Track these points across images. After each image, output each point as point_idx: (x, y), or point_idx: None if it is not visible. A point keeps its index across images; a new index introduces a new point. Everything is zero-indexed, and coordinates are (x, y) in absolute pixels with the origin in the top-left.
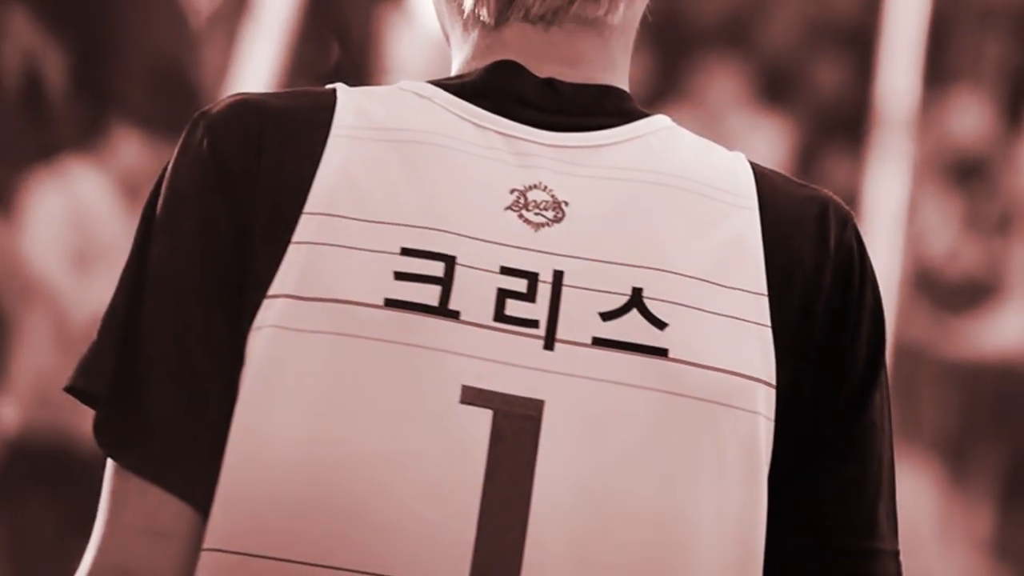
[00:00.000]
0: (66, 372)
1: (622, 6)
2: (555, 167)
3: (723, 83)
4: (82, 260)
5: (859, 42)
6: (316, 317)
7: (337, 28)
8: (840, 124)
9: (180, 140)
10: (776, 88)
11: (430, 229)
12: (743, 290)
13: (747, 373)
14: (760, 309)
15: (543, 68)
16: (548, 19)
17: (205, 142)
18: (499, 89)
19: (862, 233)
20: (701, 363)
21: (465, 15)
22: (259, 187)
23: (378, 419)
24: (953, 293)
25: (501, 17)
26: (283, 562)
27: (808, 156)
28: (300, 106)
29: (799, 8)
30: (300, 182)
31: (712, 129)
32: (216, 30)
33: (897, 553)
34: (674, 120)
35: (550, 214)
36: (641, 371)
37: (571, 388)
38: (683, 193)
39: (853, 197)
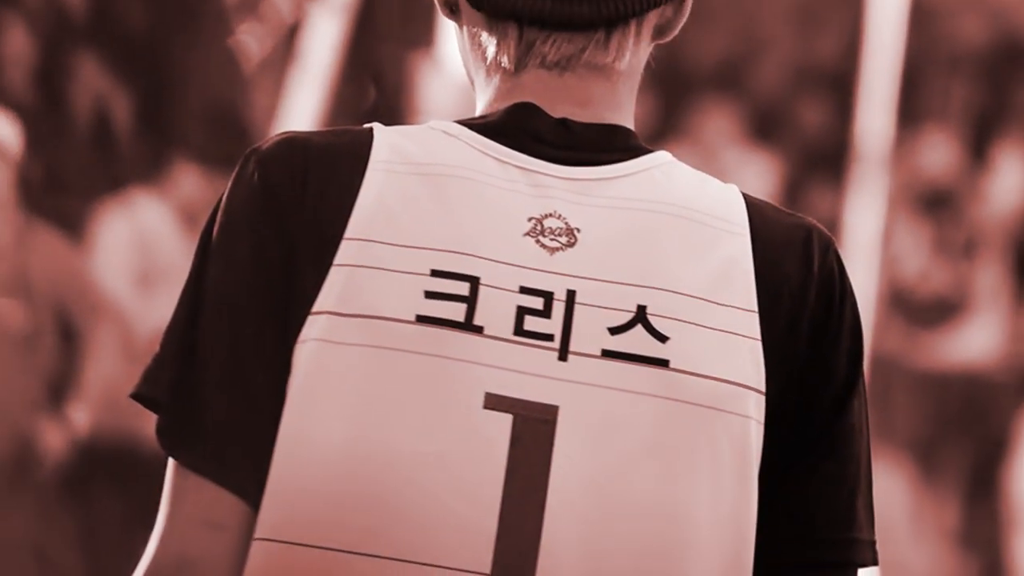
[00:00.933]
0: (131, 380)
1: (628, 54)
2: (568, 197)
3: (718, 122)
4: (145, 280)
5: (839, 86)
6: (355, 331)
7: (374, 73)
8: (822, 159)
9: (233, 173)
10: (765, 127)
11: (457, 253)
12: (736, 307)
13: (740, 381)
14: (751, 324)
15: (557, 109)
16: (562, 65)
17: (256, 175)
18: (518, 128)
19: (842, 256)
20: (699, 372)
21: (488, 62)
22: (304, 215)
23: (410, 422)
24: (924, 310)
25: (520, 64)
26: (326, 550)
27: (794, 188)
28: (340, 143)
29: (786, 56)
30: (341, 211)
31: (708, 164)
32: (265, 75)
33: (874, 543)
34: (674, 155)
35: (564, 239)
36: (645, 380)
37: (583, 395)
38: (683, 221)
39: (834, 224)
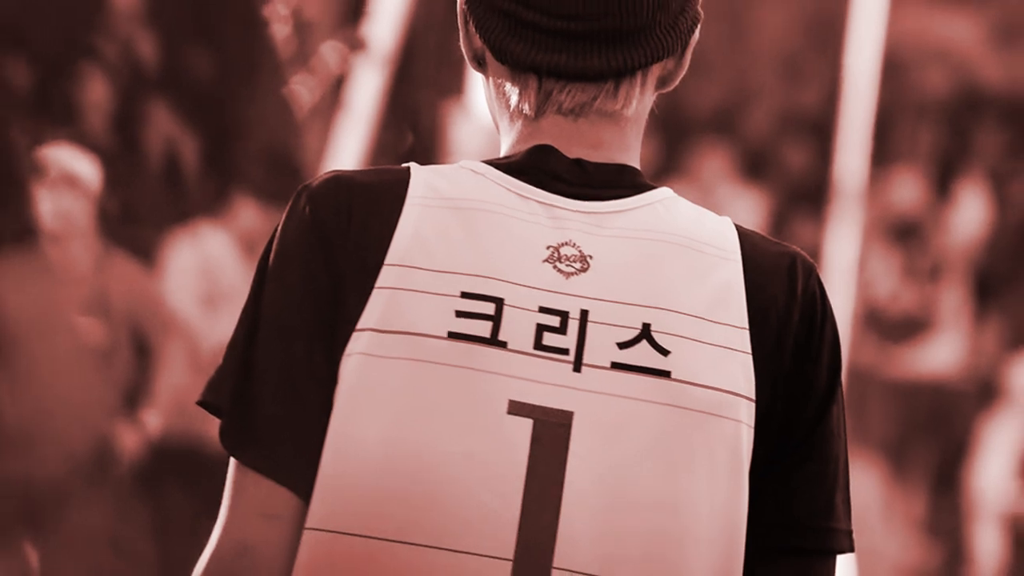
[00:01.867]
0: (197, 389)
1: (634, 102)
2: (582, 228)
3: (713, 162)
4: (209, 301)
5: (820, 131)
6: (394, 346)
7: (411, 119)
8: (805, 195)
9: (287, 207)
10: (755, 167)
11: (483, 277)
12: (730, 325)
13: (732, 390)
14: (743, 340)
15: (572, 151)
16: (576, 112)
17: (307, 209)
18: (538, 167)
19: (823, 280)
20: (697, 382)
21: (511, 109)
22: (349, 244)
23: (443, 425)
24: (894, 328)
25: (539, 111)
26: (368, 538)
27: (780, 220)
28: (381, 180)
29: (773, 104)
30: (382, 240)
31: (705, 199)
32: (315, 120)
33: (851, 532)
34: (675, 191)
35: (578, 265)
36: (650, 389)
37: (594, 402)
38: (683, 249)
39: (816, 252)
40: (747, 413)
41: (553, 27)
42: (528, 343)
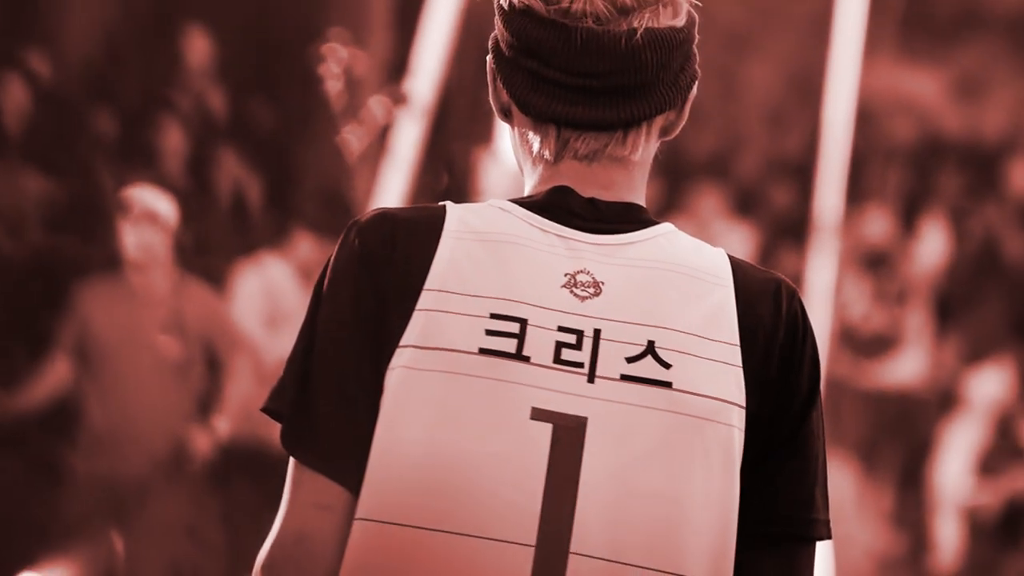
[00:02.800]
0: (261, 398)
1: (641, 148)
2: (595, 258)
3: (709, 201)
4: (271, 322)
5: (802, 173)
6: (432, 360)
7: (446, 164)
8: (789, 229)
9: (339, 239)
10: (745, 205)
11: (510, 300)
12: (723, 342)
13: (726, 399)
14: (735, 355)
15: (587, 191)
16: (590, 157)
17: (356, 241)
18: (557, 205)
19: (804, 303)
20: (695, 392)
21: (534, 154)
22: (393, 272)
23: (475, 429)
24: (866, 344)
25: (558, 156)
26: (409, 527)
27: (767, 251)
28: (421, 216)
29: (762, 150)
30: (421, 268)
31: (701, 233)
32: (364, 165)
33: (828, 521)
34: (676, 226)
35: (591, 290)
36: (654, 397)
37: (606, 409)
38: (682, 276)
39: (798, 279)
40: (738, 418)
41: (570, 83)
42: (548, 358)
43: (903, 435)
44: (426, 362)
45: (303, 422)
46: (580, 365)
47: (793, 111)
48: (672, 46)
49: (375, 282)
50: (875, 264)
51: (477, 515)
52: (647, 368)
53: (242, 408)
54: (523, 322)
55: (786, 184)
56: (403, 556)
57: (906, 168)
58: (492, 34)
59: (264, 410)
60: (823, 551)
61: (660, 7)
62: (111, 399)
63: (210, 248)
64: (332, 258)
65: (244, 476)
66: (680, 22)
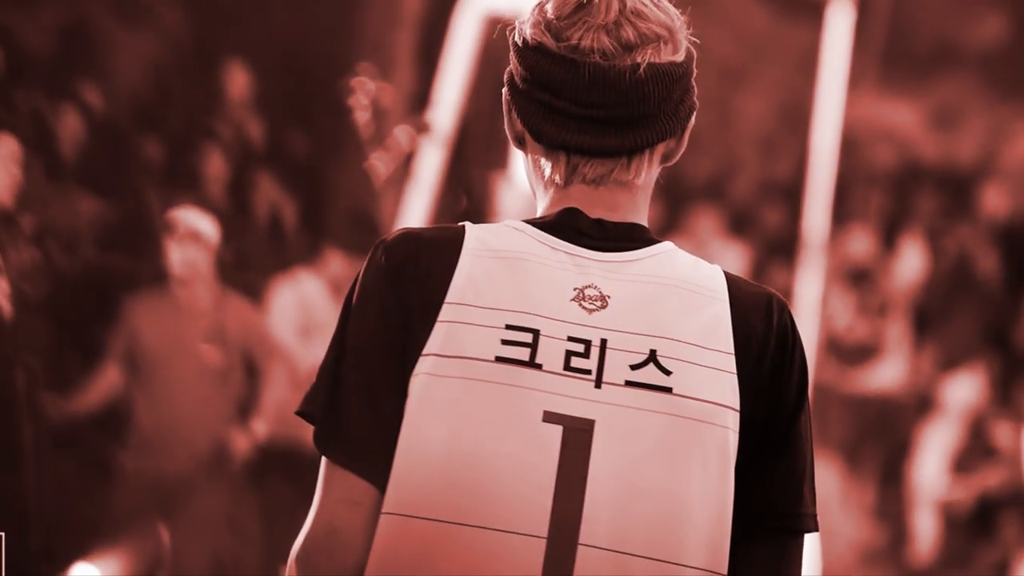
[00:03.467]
0: (296, 402)
1: (644, 173)
2: (602, 274)
3: (706, 221)
4: (305, 332)
5: (792, 196)
6: (453, 368)
7: (466, 187)
8: (779, 247)
9: (367, 257)
10: (739, 225)
11: (523, 312)
12: (719, 351)
13: (722, 403)
14: (730, 363)
15: (594, 212)
16: (597, 182)
17: (383, 258)
18: (566, 225)
19: (793, 315)
20: (693, 396)
21: (545, 179)
22: (416, 286)
23: (491, 431)
24: (850, 353)
25: (568, 180)
26: (431, 521)
27: (759, 267)
28: (442, 236)
29: (755, 174)
30: (443, 283)
31: (699, 250)
32: (390, 188)
33: (815, 515)
34: (675, 245)
35: (598, 303)
36: (656, 402)
37: (612, 412)
38: (682, 291)
39: (788, 293)
40: (733, 421)
41: (579, 114)
42: (559, 365)
43: (884, 436)
44: (447, 369)
45: (334, 424)
46: (588, 372)
47: (783, 139)
48: (672, 80)
49: (400, 296)
50: (858, 279)
51: (494, 509)
52: (649, 375)
53: (278, 411)
54: (536, 333)
55: (777, 206)
56: (426, 547)
57: (887, 191)
58: (507, 69)
59: (298, 413)
60: (811, 542)
61: (661, 44)
62: (158, 403)
63: (249, 264)
64: (361, 274)
65: (280, 474)
66: (680, 57)
